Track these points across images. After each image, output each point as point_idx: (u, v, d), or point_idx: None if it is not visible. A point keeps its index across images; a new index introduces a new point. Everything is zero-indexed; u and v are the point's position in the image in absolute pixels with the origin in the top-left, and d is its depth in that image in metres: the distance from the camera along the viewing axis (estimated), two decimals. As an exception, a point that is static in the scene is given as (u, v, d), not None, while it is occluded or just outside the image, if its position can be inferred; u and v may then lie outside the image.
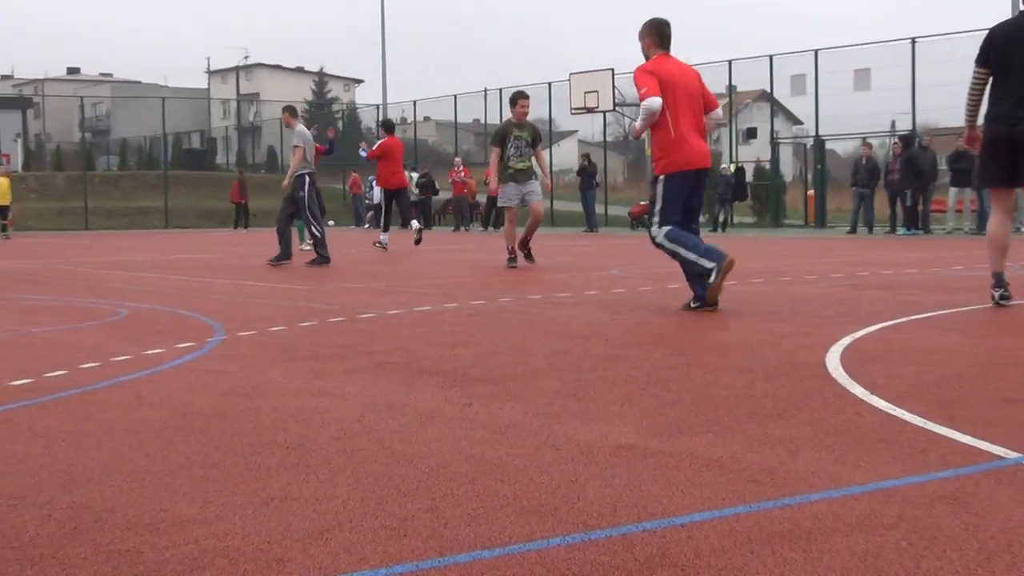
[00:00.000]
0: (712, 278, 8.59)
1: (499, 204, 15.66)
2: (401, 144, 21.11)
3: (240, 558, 2.87)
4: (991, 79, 8.43)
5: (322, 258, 16.09)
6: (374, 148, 20.90)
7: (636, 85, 8.89)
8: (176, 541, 3.02)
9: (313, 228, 16.24)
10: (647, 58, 9.03)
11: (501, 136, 15.10)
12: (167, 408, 4.98)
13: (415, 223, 21.22)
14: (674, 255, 8.82)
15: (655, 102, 8.66)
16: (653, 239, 8.98)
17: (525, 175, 15.01)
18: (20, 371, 6.14)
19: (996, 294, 8.52)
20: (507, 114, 15.67)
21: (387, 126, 21.87)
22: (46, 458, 4.05)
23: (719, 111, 9.34)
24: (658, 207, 8.93)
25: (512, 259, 14.98)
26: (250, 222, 40.89)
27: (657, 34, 9.07)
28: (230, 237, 31.29)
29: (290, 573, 2.75)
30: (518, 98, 15.13)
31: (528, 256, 15.36)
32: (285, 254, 16.28)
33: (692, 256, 8.69)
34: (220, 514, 3.27)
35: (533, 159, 15.25)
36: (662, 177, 8.88)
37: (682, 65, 9.11)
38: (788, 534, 2.97)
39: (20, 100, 68.72)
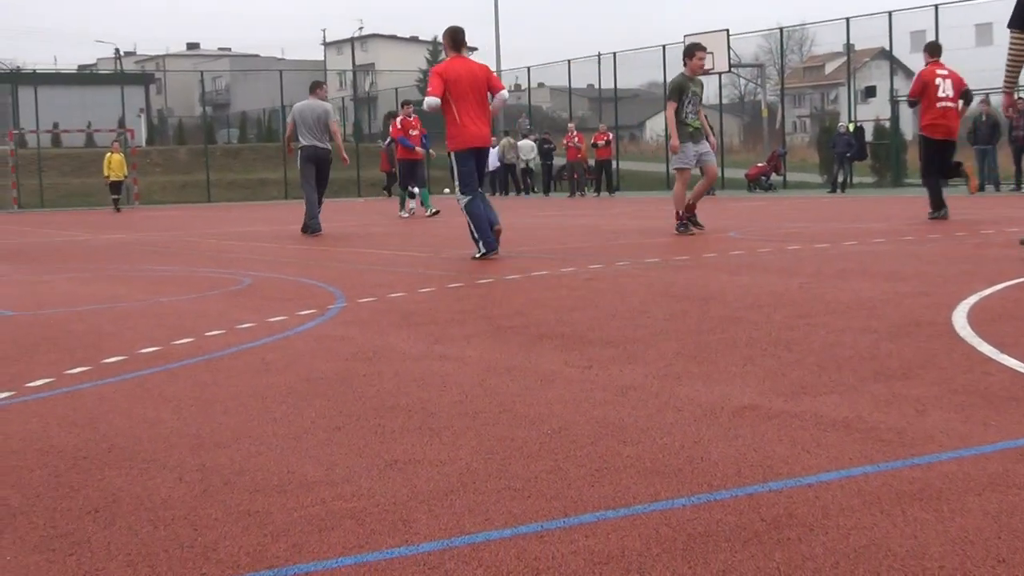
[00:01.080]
0: (476, 255, 11.02)
1: (675, 166, 14.07)
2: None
3: (367, 519, 2.90)
4: None
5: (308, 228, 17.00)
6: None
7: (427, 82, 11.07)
8: (303, 502, 3.06)
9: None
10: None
11: (679, 90, 13.63)
12: (292, 373, 5.06)
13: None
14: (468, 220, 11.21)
15: (432, 101, 11.16)
16: (459, 202, 11.28)
17: (700, 134, 13.80)
18: (150, 339, 6.27)
19: None
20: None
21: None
22: (176, 423, 4.13)
23: (503, 93, 11.74)
24: (457, 179, 11.37)
25: (684, 225, 13.69)
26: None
27: (451, 39, 11.66)
28: (350, 206, 31.57)
29: (416, 534, 2.77)
30: (695, 49, 13.90)
31: (695, 221, 14.03)
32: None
33: (476, 234, 11.13)
34: (346, 476, 3.31)
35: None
36: (453, 153, 11.34)
37: (469, 63, 11.51)
38: (918, 494, 2.92)
39: (143, 76, 70.02)
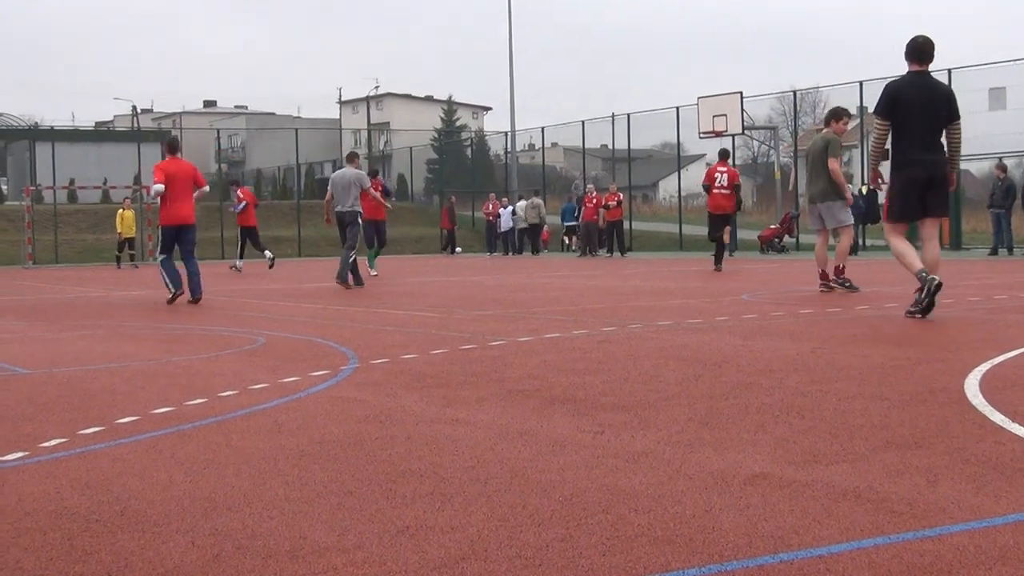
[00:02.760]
0: (169, 298, 14.96)
1: (847, 223, 14.23)
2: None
3: (378, 586, 2.91)
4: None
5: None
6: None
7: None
8: (315, 569, 3.07)
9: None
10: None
11: (839, 146, 14.02)
12: (304, 436, 5.07)
13: (268, 252, 27.68)
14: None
15: (158, 188, 15.00)
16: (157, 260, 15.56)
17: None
18: (163, 399, 6.30)
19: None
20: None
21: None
22: (188, 485, 4.15)
23: (205, 188, 15.80)
24: (160, 244, 15.60)
25: (835, 284, 13.91)
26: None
27: (169, 146, 15.74)
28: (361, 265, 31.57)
29: (427, 602, 2.78)
30: (843, 114, 14.32)
31: (850, 284, 13.95)
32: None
33: (166, 279, 15.08)
34: (358, 542, 3.31)
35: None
36: (161, 227, 15.48)
37: (180, 162, 15.40)
38: (929, 567, 2.92)
39: (160, 133, 70.48)
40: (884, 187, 10.81)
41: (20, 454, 4.85)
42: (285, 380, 6.97)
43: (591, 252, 36.48)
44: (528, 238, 41.98)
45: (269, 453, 4.70)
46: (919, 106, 9.86)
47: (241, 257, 28.91)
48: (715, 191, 21.27)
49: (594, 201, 36.69)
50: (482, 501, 3.77)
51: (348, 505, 3.77)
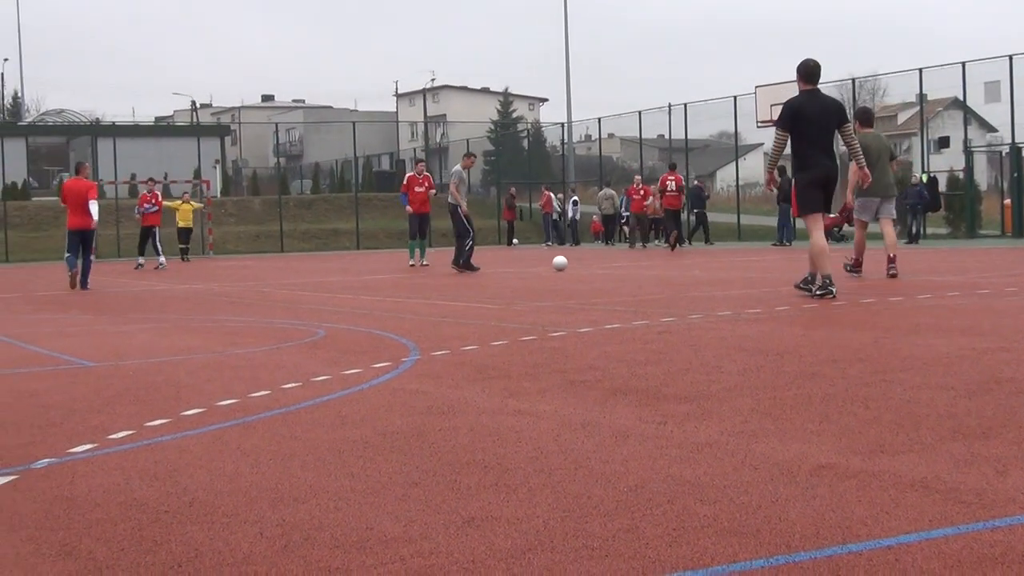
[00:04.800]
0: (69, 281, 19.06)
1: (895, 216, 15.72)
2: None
3: (445, 577, 2.92)
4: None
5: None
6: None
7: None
8: (383, 559, 3.09)
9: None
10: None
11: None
12: (368, 427, 5.10)
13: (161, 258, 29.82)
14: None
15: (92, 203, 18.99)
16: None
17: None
18: (227, 391, 6.36)
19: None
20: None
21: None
22: (255, 476, 4.18)
23: (92, 204, 19.03)
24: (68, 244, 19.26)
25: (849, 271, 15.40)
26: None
27: (84, 171, 19.73)
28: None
29: (495, 592, 2.79)
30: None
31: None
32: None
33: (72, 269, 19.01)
34: (424, 533, 3.33)
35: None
36: (69, 231, 19.32)
37: (79, 181, 19.30)
38: (1000, 558, 2.89)
39: (218, 128, 71.05)
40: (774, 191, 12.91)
41: (89, 446, 4.91)
42: (347, 372, 7.01)
43: (641, 243, 35.89)
44: (606, 229, 41.85)
45: (333, 445, 4.73)
46: (816, 118, 11.63)
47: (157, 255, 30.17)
48: (667, 194, 32.17)
49: (641, 192, 36.25)
50: (547, 492, 3.77)
51: (413, 496, 3.79)
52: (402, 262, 25.63)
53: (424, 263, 23.60)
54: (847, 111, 12.89)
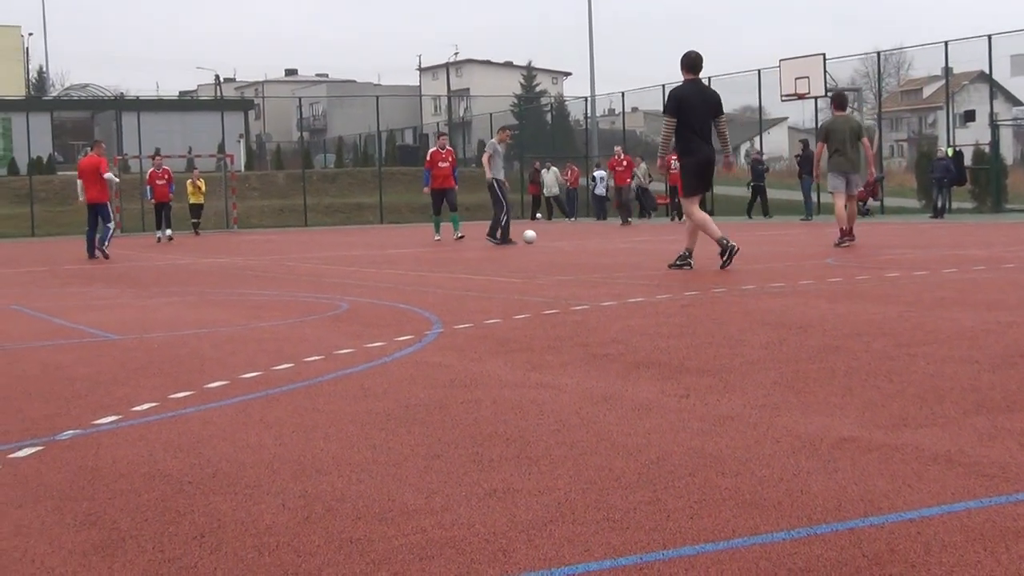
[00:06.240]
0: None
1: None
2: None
3: (467, 548, 2.93)
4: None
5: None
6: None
7: None
8: (404, 530, 3.10)
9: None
10: None
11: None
12: (390, 400, 5.11)
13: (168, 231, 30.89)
14: None
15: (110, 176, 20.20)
16: None
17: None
18: (251, 364, 6.38)
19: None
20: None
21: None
22: (277, 448, 4.20)
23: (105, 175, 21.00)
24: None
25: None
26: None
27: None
28: (444, 231, 31.67)
29: (515, 564, 2.80)
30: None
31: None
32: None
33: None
34: (445, 504, 3.34)
35: None
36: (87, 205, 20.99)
37: (91, 158, 20.93)
38: (1023, 531, 2.88)
39: (242, 102, 71.13)
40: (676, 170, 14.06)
41: (113, 417, 4.94)
42: (370, 345, 7.03)
43: (626, 219, 33.95)
44: (640, 202, 41.36)
45: (356, 417, 4.75)
46: (698, 106, 12.56)
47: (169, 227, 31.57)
48: (617, 168, 34.67)
49: (624, 164, 35.02)
50: (568, 464, 3.78)
51: (435, 468, 3.80)
52: (426, 236, 25.64)
53: (459, 235, 23.41)
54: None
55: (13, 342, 8.03)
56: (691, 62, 12.82)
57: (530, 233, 20.57)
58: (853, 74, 49.04)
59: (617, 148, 37.10)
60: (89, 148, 24.24)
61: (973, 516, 3.03)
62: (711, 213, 35.55)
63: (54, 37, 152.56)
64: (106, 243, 21.35)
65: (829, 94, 33.33)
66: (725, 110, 14.39)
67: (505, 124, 24.80)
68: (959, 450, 3.75)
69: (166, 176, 32.14)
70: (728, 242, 12.43)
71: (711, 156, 12.88)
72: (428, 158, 24.17)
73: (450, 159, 23.86)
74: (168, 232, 31.02)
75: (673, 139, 12.84)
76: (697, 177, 12.84)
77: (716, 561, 2.75)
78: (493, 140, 22.16)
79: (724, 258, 12.39)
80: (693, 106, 12.52)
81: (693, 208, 13.07)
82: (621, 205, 35.06)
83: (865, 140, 17.02)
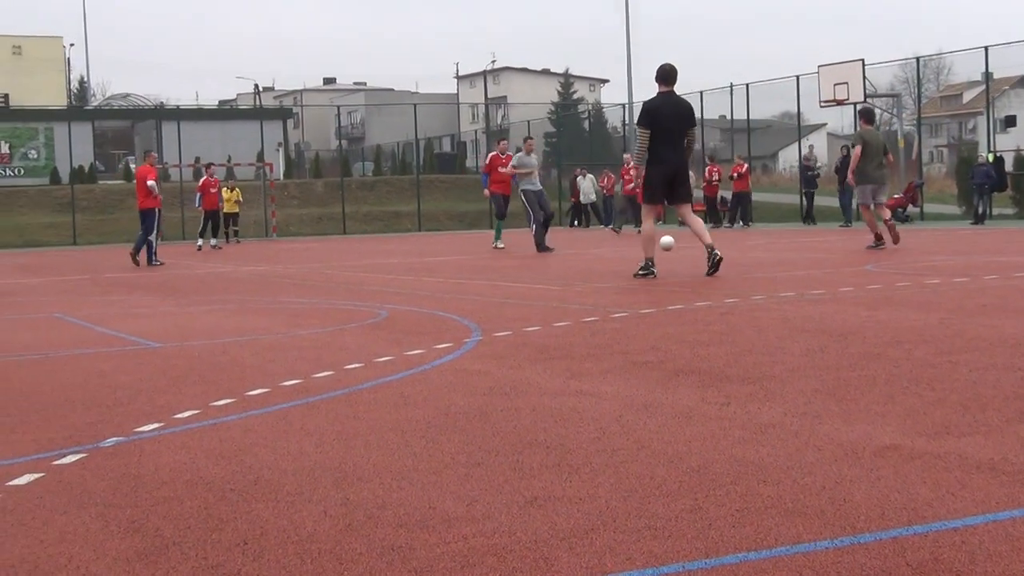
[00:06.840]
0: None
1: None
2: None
3: (508, 556, 2.93)
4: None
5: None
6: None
7: None
8: (446, 538, 3.11)
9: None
10: None
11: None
12: (430, 407, 5.12)
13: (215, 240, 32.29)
14: None
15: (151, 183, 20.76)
16: None
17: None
18: (291, 372, 6.41)
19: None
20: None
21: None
22: (318, 456, 4.22)
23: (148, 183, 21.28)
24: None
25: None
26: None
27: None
28: (483, 238, 31.69)
29: (557, 572, 2.80)
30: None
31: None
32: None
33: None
34: (486, 513, 3.34)
35: None
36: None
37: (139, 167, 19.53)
38: (1069, 540, 2.85)
39: (281, 111, 71.40)
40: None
41: (156, 425, 4.97)
42: (409, 353, 7.04)
43: (615, 227, 32.79)
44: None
45: (396, 425, 4.76)
46: (671, 118, 12.87)
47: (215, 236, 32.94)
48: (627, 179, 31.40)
49: (632, 172, 34.00)
50: (609, 472, 3.77)
51: (476, 476, 3.80)
52: (464, 244, 25.65)
53: (500, 245, 23.38)
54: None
55: (56, 350, 8.10)
56: (665, 74, 13.20)
57: (668, 239, 19.62)
58: (892, 80, 48.95)
59: (626, 156, 35.62)
60: (136, 155, 26.58)
61: (1018, 525, 3.01)
62: (706, 220, 35.42)
63: (95, 47, 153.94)
64: (143, 250, 21.92)
65: (868, 102, 33.26)
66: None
67: (528, 135, 24.78)
68: (1003, 458, 3.73)
69: (217, 184, 33.43)
70: (652, 266, 12.77)
71: (678, 167, 13.06)
72: (488, 162, 23.95)
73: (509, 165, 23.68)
74: (213, 241, 32.19)
75: (647, 149, 13.02)
76: (661, 187, 13.03)
77: (759, 570, 2.74)
78: (520, 152, 22.29)
79: (640, 273, 12.74)
80: (665, 116, 12.89)
81: (646, 216, 13.46)
82: (625, 211, 33.85)
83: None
